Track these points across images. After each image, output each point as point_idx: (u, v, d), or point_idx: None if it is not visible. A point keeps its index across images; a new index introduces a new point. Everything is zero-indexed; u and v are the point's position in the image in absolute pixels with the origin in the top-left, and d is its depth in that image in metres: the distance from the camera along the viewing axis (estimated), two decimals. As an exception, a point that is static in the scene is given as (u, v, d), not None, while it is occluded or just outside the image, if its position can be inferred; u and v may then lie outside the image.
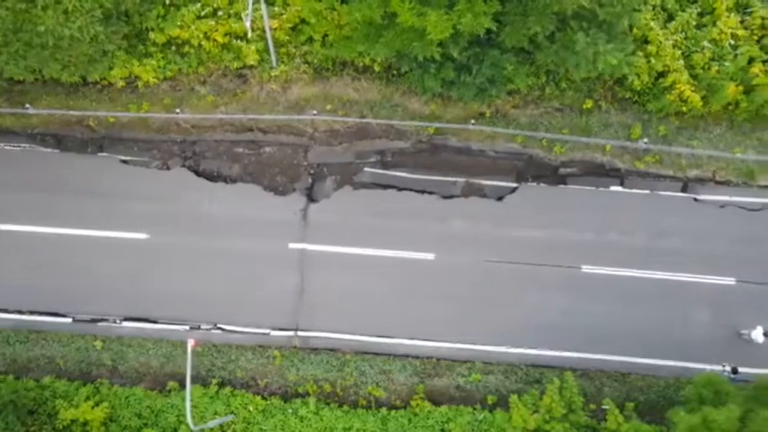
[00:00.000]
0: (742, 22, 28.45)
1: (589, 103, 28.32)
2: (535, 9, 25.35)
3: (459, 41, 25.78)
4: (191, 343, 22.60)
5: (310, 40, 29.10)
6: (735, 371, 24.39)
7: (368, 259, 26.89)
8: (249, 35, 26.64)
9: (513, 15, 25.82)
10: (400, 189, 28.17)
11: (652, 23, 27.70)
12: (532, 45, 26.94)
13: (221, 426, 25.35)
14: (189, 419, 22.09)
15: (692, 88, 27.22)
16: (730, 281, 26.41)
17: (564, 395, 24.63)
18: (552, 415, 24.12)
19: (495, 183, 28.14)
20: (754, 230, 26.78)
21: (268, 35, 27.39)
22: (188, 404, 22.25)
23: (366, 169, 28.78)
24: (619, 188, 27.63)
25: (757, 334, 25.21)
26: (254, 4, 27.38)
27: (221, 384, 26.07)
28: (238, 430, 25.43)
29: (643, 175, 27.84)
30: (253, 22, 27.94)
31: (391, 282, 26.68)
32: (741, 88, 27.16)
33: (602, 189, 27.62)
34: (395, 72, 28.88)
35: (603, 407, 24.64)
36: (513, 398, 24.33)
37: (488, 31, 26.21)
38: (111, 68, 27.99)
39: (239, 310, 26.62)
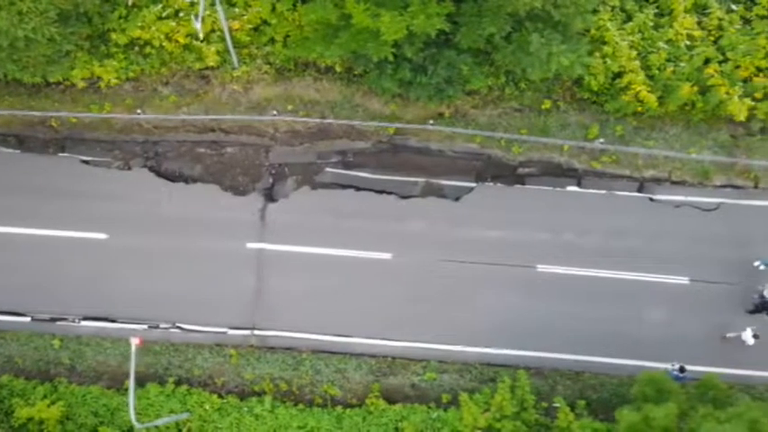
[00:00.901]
0: (699, 23, 28.62)
1: (548, 104, 28.50)
2: (489, 10, 25.56)
3: (415, 42, 25.97)
4: (135, 341, 22.78)
5: (272, 41, 29.29)
6: (682, 369, 24.52)
7: (325, 259, 27.08)
8: (201, 36, 26.78)
9: (469, 16, 26.04)
10: (360, 189, 28.32)
11: (608, 24, 27.86)
12: (490, 46, 27.14)
13: (177, 425, 25.52)
14: (133, 418, 22.28)
15: (648, 89, 27.39)
16: (684, 280, 26.60)
17: (516, 394, 24.82)
18: (503, 413, 24.29)
19: (454, 183, 28.31)
20: (709, 230, 26.96)
21: (227, 36, 27.55)
22: (131, 402, 22.44)
23: (328, 169, 28.96)
24: (575, 188, 27.79)
25: (747, 335, 25.23)
26: (212, 5, 27.71)
27: (178, 383, 26.26)
28: (194, 428, 25.61)
29: (600, 175, 28.01)
30: (214, 23, 28.23)
31: (348, 281, 26.87)
32: (696, 89, 27.32)
33: (558, 189, 27.76)
34: (356, 73, 29.05)
35: (555, 405, 24.77)
36: (464, 396, 24.52)
37: (445, 32, 26.44)
38: (72, 69, 28.19)
39: (197, 309, 26.82)
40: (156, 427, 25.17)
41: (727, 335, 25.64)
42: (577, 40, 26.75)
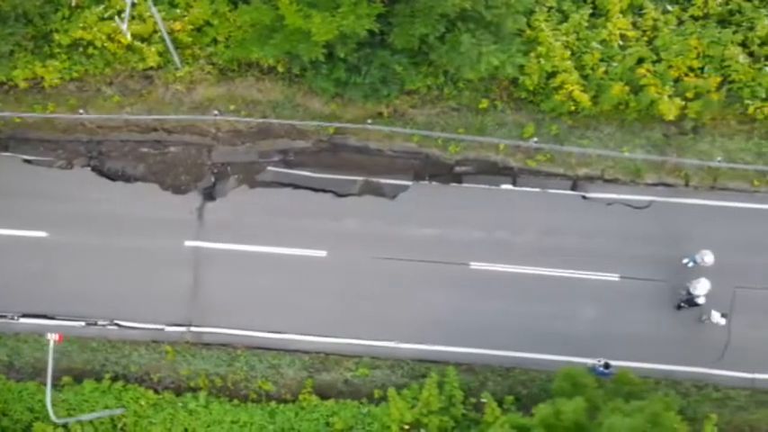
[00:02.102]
0: (635, 23, 28.97)
1: (485, 103, 28.84)
2: (421, 11, 25.94)
3: (348, 43, 26.34)
4: (53, 338, 23.14)
5: (214, 41, 29.62)
6: (607, 365, 24.88)
7: (261, 256, 27.46)
8: (128, 37, 27.07)
9: (402, 17, 26.45)
10: (299, 188, 28.67)
11: (543, 25, 28.20)
12: (426, 46, 27.50)
13: (112, 420, 25.89)
14: (50, 412, 22.65)
15: (582, 88, 27.71)
16: (614, 277, 26.95)
17: (445, 389, 25.21)
18: (430, 408, 24.69)
19: (392, 181, 28.66)
20: (639, 228, 27.30)
21: (165, 37, 27.90)
22: (48, 398, 22.80)
23: (269, 168, 29.31)
24: (510, 186, 28.13)
25: (716, 317, 25.56)
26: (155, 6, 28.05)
27: (115, 379, 26.65)
28: (129, 424, 25.99)
29: (535, 173, 28.35)
30: (155, 23, 28.54)
31: (283, 279, 27.24)
32: (628, 88, 27.66)
33: (493, 187, 28.12)
34: (297, 73, 29.38)
35: (482, 400, 25.12)
36: (392, 392, 24.91)
37: (381, 32, 26.86)
38: (14, 69, 28.54)
39: (135, 307, 27.21)
40: (92, 422, 25.51)
41: (703, 317, 25.81)
42: (510, 40, 27.12)
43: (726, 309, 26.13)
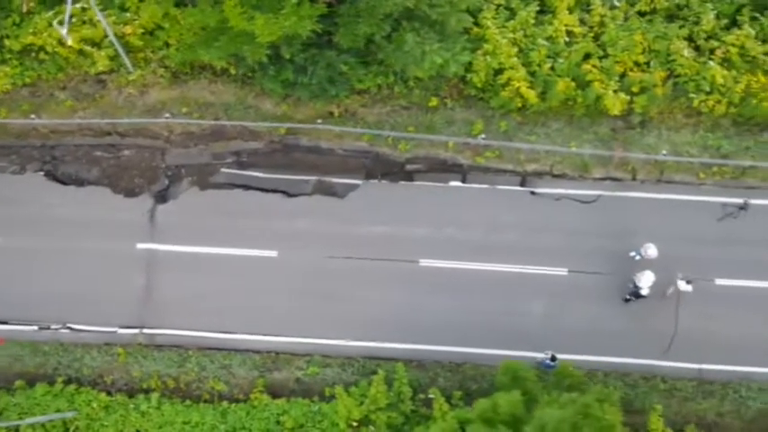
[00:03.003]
0: (582, 20, 29.20)
1: (435, 101, 29.05)
2: (365, 11, 26.14)
3: (293, 44, 26.55)
4: (-6, 341, 23.35)
5: (166, 44, 29.81)
6: (554, 358, 25.12)
7: (213, 258, 27.63)
8: (69, 42, 27.18)
9: (347, 17, 26.65)
10: (253, 189, 28.84)
11: (489, 22, 28.43)
12: (374, 45, 27.71)
13: (64, 423, 26.01)
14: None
15: (528, 84, 27.96)
16: (563, 271, 27.17)
17: (394, 386, 25.40)
18: (378, 405, 24.88)
19: (344, 180, 28.84)
20: (587, 222, 27.52)
21: (113, 40, 28.06)
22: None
23: (223, 170, 29.48)
24: (459, 183, 28.34)
25: (683, 285, 25.69)
26: (103, 11, 28.22)
27: (68, 382, 26.75)
28: (81, 426, 26.10)
29: (484, 170, 28.56)
30: (105, 29, 28.69)
31: (235, 279, 27.39)
32: (574, 84, 27.90)
33: (443, 185, 28.32)
34: (249, 75, 29.55)
35: (430, 396, 25.31)
36: (339, 389, 25.11)
37: (328, 32, 27.07)
38: (-36, 75, 28.72)
39: (88, 310, 27.34)
40: (43, 426, 25.65)
41: (668, 292, 25.98)
42: (455, 38, 27.34)
43: (672, 301, 26.29)
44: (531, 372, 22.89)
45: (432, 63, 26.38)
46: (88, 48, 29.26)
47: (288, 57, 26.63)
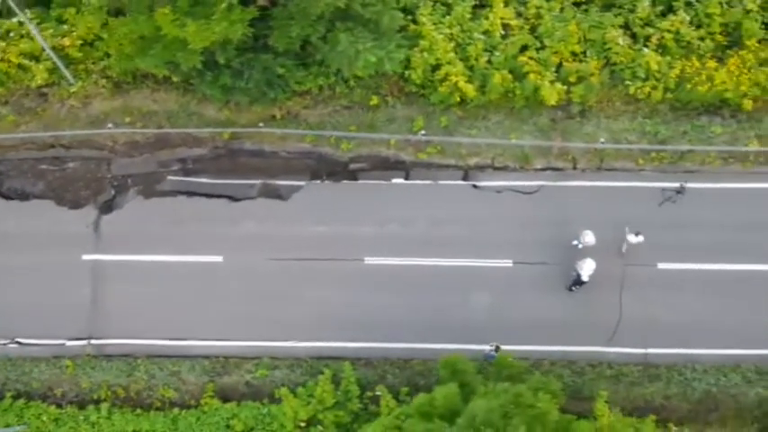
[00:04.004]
0: (519, 13, 29.37)
1: (376, 100, 29.17)
2: (298, 13, 26.22)
3: (227, 49, 26.59)
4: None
5: (107, 55, 29.81)
6: (497, 349, 25.27)
7: (159, 266, 27.65)
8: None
9: (281, 20, 26.71)
10: (199, 195, 28.88)
11: (424, 19, 28.55)
12: (311, 47, 27.80)
13: (14, 438, 26.07)
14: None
15: (466, 79, 28.10)
16: (507, 263, 27.32)
17: (341, 385, 25.49)
18: (325, 405, 24.97)
19: (289, 183, 28.90)
20: (529, 213, 27.68)
21: (50, 53, 28.08)
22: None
23: (169, 177, 29.50)
24: (401, 180, 28.46)
25: (632, 238, 26.12)
26: (39, 24, 28.27)
27: (17, 396, 26.74)
28: (31, 440, 26.13)
29: (426, 165, 28.67)
30: (45, 40, 28.66)
31: (182, 286, 27.44)
32: (511, 77, 28.07)
33: (386, 182, 28.44)
34: (190, 81, 29.58)
35: (377, 393, 25.41)
36: (284, 391, 25.21)
37: (264, 36, 27.14)
38: None
39: (35, 323, 27.30)
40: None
41: (623, 249, 26.24)
42: (390, 36, 27.45)
43: (616, 287, 26.50)
44: (470, 365, 23.01)
45: (366, 62, 26.49)
46: (27, 61, 29.23)
47: (223, 62, 26.67)
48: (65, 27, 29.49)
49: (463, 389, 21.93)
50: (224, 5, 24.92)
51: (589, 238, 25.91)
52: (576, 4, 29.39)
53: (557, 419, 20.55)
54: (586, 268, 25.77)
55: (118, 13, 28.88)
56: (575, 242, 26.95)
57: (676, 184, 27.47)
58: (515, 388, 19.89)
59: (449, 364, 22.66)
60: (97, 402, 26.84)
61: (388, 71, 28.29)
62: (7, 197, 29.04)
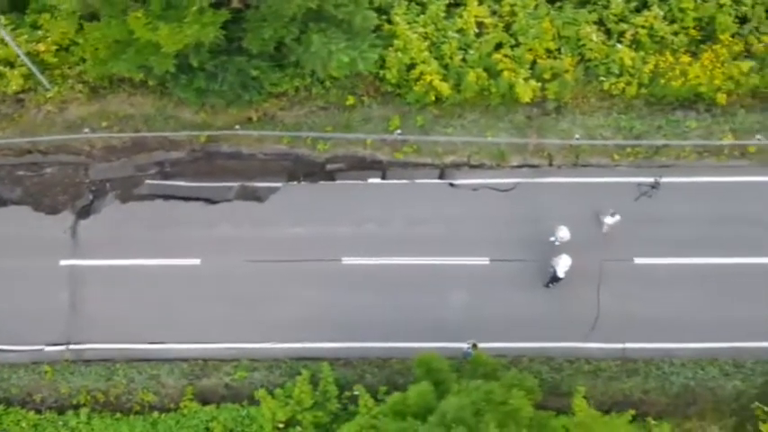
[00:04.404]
0: (494, 11, 29.42)
1: (351, 100, 29.21)
2: (271, 15, 26.22)
3: (200, 51, 26.58)
4: None
5: (83, 60, 29.80)
6: (475, 346, 25.32)
7: (137, 269, 27.65)
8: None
9: (253, 22, 26.69)
10: (176, 198, 28.87)
11: (398, 18, 28.60)
12: (286, 48, 27.80)
13: (-6, 445, 26.05)
14: None
15: (441, 77, 28.15)
16: (484, 260, 27.36)
17: (320, 385, 25.52)
18: (303, 406, 24.99)
19: (267, 184, 28.91)
20: (505, 210, 27.74)
21: (24, 59, 28.06)
22: None
23: (147, 181, 29.47)
24: (378, 180, 28.49)
25: (609, 220, 26.42)
26: (13, 30, 28.27)
27: (-4, 404, 26.78)
28: (11, 447, 26.11)
29: (403, 165, 28.72)
30: (19, 46, 28.62)
31: (160, 290, 27.43)
32: (485, 75, 28.12)
33: (362, 182, 28.47)
34: (166, 85, 29.57)
35: (355, 393, 25.43)
36: (261, 392, 25.21)
37: (239, 38, 27.14)
38: None
39: (13, 329, 27.27)
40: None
41: (603, 231, 26.52)
42: (363, 36, 27.45)
43: (594, 283, 26.57)
44: (445, 363, 23.04)
45: (339, 62, 26.49)
46: (1, 68, 29.22)
47: (197, 65, 26.65)
48: (39, 32, 29.46)
49: (438, 387, 21.98)
50: (195, 8, 24.91)
51: (563, 233, 25.97)
52: (551, 2, 29.53)
53: (531, 416, 20.58)
54: (562, 264, 25.82)
55: (93, 17, 28.84)
56: (552, 239, 27.00)
57: (651, 179, 27.49)
58: (487, 385, 19.93)
59: (424, 362, 22.69)
60: (77, 407, 26.81)
61: (363, 71, 28.26)
62: (-12, 204, 28.97)
